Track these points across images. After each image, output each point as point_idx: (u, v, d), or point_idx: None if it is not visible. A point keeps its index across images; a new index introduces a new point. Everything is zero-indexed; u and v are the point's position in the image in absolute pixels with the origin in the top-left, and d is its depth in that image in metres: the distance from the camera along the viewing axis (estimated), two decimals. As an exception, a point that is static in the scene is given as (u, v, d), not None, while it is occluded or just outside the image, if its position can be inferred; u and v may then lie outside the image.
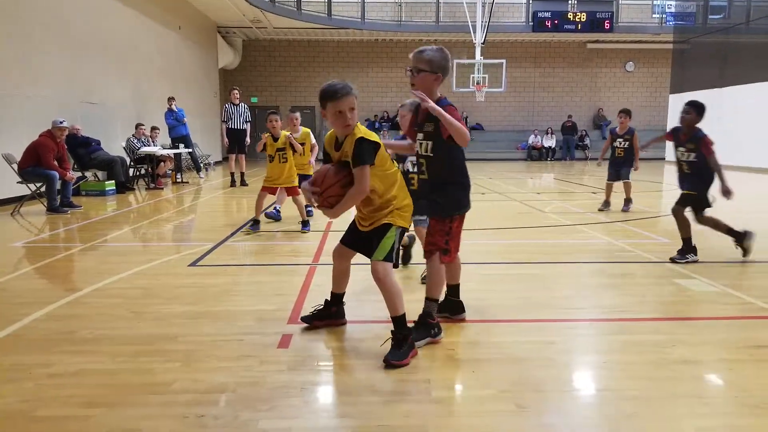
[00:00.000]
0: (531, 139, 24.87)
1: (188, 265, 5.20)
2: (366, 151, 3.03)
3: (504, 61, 21.41)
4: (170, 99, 14.36)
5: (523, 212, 8.85)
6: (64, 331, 3.47)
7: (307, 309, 3.89)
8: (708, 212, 5.47)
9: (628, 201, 8.81)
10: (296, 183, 7.12)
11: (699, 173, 5.48)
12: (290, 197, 7.30)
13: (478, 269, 5.23)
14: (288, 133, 7.11)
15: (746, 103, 17.84)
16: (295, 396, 2.64)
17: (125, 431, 2.30)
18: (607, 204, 8.88)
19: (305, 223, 6.99)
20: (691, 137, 5.48)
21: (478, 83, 20.87)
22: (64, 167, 9.03)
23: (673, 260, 5.37)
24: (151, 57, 16.06)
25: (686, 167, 5.57)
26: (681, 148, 5.56)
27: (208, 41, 21.69)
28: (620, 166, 8.80)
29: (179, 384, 2.75)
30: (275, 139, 7.05)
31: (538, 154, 24.75)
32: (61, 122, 9.03)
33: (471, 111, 26.02)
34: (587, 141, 25.40)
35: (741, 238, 5.48)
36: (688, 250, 5.44)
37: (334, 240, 6.33)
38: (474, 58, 20.93)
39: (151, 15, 15.90)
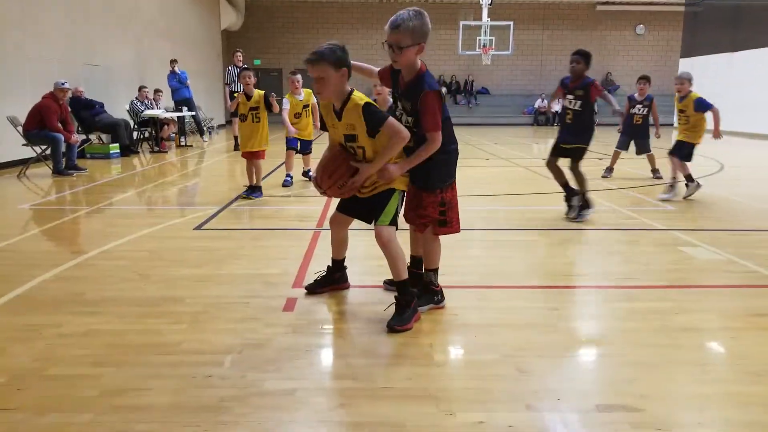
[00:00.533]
0: (537, 103, 24.60)
1: (193, 229, 5.23)
2: (376, 111, 3.01)
3: (511, 23, 21.04)
4: (173, 61, 14.21)
5: (528, 178, 8.82)
6: (72, 293, 3.51)
7: (312, 274, 3.92)
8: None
9: (655, 171, 8.69)
10: (265, 148, 6.84)
11: (582, 123, 5.73)
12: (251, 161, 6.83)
13: (482, 235, 5.25)
14: (265, 92, 6.75)
15: (759, 68, 17.55)
16: (300, 358, 2.68)
17: (135, 390, 2.35)
18: (610, 170, 8.85)
19: (253, 189, 6.86)
20: (578, 85, 5.69)
21: (484, 46, 20.56)
22: (68, 130, 9.01)
23: (572, 220, 5.56)
24: (153, 18, 15.83)
25: (570, 117, 5.79)
26: (569, 96, 5.77)
27: (210, 2, 21.33)
28: (635, 135, 8.70)
29: (186, 345, 2.80)
30: (248, 97, 6.67)
31: (544, 119, 24.51)
32: (63, 83, 8.97)
33: (477, 74, 25.69)
34: (595, 106, 25.08)
35: (571, 194, 5.71)
36: (585, 205, 5.63)
37: (316, 203, 6.35)
38: (481, 19, 20.54)
39: (152, -26, 15.61)
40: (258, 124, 6.73)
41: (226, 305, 3.33)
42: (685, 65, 20.70)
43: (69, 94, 9.25)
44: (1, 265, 4.15)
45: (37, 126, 8.69)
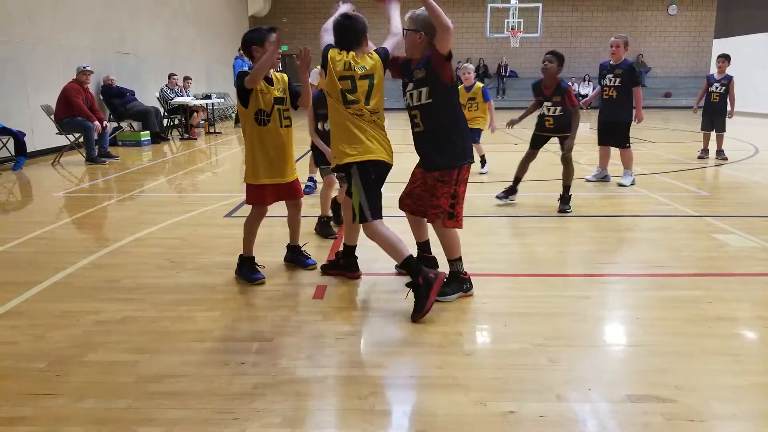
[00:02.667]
0: (567, 87, 24.19)
1: (224, 216, 5.30)
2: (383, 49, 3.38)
3: (540, 4, 20.64)
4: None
5: (557, 163, 8.68)
6: (108, 280, 3.60)
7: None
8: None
9: (708, 150, 8.81)
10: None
11: (565, 119, 5.48)
12: None
13: (511, 222, 5.21)
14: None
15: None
16: (331, 345, 2.72)
17: (170, 376, 2.41)
18: (705, 152, 8.83)
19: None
20: (555, 91, 5.44)
21: (513, 28, 20.25)
22: (97, 116, 9.13)
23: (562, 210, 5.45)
24: (181, 4, 15.93)
25: (550, 122, 5.59)
26: (547, 104, 5.51)
27: (237, -12, 21.39)
28: (715, 114, 8.67)
29: (219, 332, 2.85)
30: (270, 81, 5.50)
31: (573, 103, 24.09)
32: (85, 67, 9.14)
33: (507, 57, 25.32)
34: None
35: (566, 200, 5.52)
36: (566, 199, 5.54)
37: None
38: (509, 2, 20.21)
39: (180, -39, 15.68)
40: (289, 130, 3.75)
41: (257, 292, 3.38)
42: (719, 46, 20.09)
43: (90, 77, 9.32)
44: (39, 252, 4.27)
45: (68, 113, 8.84)
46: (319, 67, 3.97)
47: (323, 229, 4.65)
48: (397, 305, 3.18)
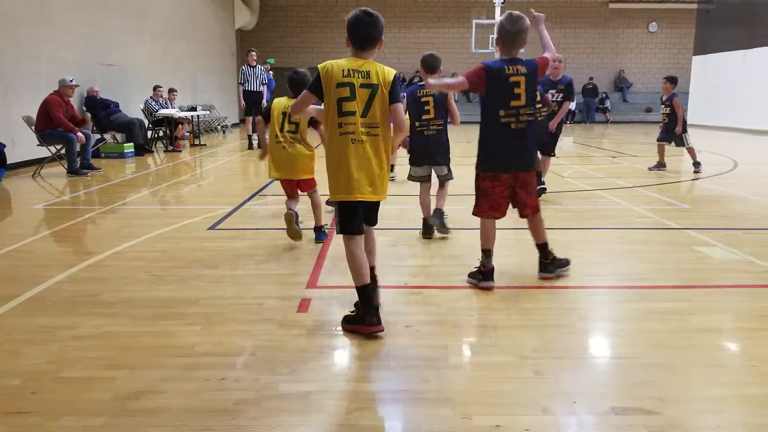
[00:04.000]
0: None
1: (207, 229, 5.24)
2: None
3: (524, 21, 20.89)
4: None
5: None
6: (87, 294, 3.53)
7: (326, 274, 3.92)
8: None
9: (662, 164, 9.14)
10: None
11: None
12: None
13: (497, 234, 5.21)
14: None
15: (773, 65, 17.30)
16: (314, 360, 2.68)
17: (149, 392, 2.36)
18: (660, 165, 9.15)
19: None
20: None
21: (497, 44, 20.44)
22: (76, 122, 9.01)
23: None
24: (168, 17, 15.90)
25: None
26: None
27: (224, 1, 21.39)
28: (667, 131, 9.07)
29: (200, 347, 2.80)
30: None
31: (557, 117, 24.34)
32: (70, 80, 8.94)
33: (489, 73, 25.54)
34: (608, 104, 24.91)
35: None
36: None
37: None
38: (493, 18, 20.43)
39: (165, -26, 15.68)
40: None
41: (240, 306, 3.33)
42: (699, 62, 20.49)
43: (74, 91, 9.12)
44: (15, 266, 4.19)
45: (48, 125, 8.70)
46: None
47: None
48: (383, 318, 3.13)
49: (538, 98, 5.08)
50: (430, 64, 4.65)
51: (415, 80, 22.31)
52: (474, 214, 3.72)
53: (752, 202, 6.65)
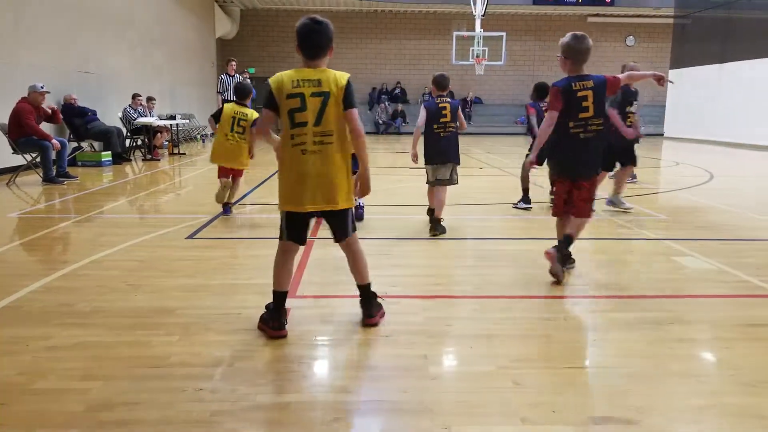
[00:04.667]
0: (530, 114, 24.73)
1: (185, 238, 5.18)
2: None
3: (504, 34, 21.18)
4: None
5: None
6: (61, 304, 3.46)
7: (306, 283, 3.89)
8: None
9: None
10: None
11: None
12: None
13: (476, 245, 5.24)
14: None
15: (746, 80, 17.71)
16: (293, 370, 2.65)
17: (123, 404, 2.31)
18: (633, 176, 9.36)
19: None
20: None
21: (477, 56, 20.66)
22: (52, 121, 8.85)
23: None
24: (148, 26, 15.79)
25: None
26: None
27: (205, 11, 21.34)
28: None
29: (177, 357, 2.75)
30: None
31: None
32: (41, 87, 8.71)
33: (470, 84, 25.80)
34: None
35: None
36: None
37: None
38: (474, 30, 20.66)
39: (146, -18, 15.59)
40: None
41: (217, 316, 3.29)
42: (675, 76, 20.89)
43: (45, 98, 8.84)
44: (-11, 275, 4.09)
45: (22, 133, 8.52)
46: None
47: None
48: (361, 328, 3.13)
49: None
50: (441, 83, 5.48)
51: (426, 96, 22.49)
52: (552, 213, 4.27)
53: (728, 214, 6.76)
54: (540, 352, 2.87)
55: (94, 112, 11.48)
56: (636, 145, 6.80)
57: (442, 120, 5.42)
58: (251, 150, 6.10)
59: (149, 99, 13.59)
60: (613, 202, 6.68)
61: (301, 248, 3.18)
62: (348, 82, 2.93)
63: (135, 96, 13.00)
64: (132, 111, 12.76)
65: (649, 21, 25.59)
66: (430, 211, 5.58)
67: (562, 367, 2.77)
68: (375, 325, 3.14)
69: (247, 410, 2.28)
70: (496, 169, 11.28)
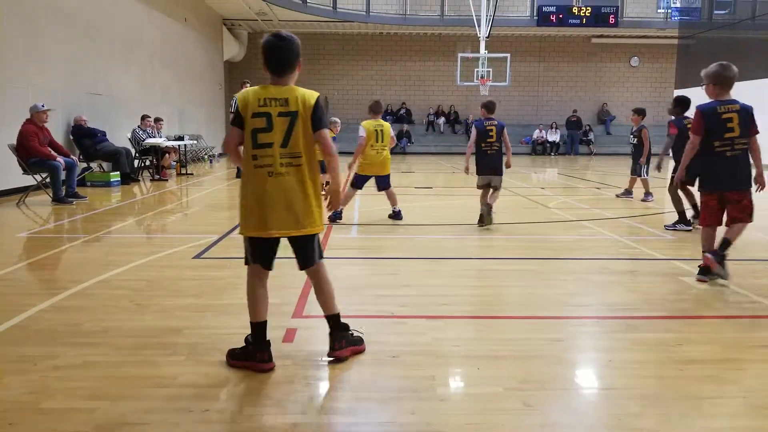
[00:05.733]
0: (536, 134, 24.79)
1: (192, 258, 5.20)
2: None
3: (508, 55, 21.32)
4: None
5: (528, 207, 8.83)
6: (69, 323, 3.47)
7: (312, 303, 3.88)
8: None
9: (629, 191, 9.69)
10: None
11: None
12: None
13: (482, 264, 5.23)
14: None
15: (750, 100, 17.71)
16: (300, 391, 2.63)
17: (130, 424, 2.30)
18: (627, 192, 9.66)
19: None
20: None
21: (482, 77, 20.78)
22: (62, 153, 8.92)
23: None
24: (157, 48, 16.01)
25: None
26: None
27: (213, 33, 21.63)
28: (633, 160, 9.46)
29: (184, 377, 2.75)
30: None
31: (542, 149, 24.67)
32: (41, 106, 8.76)
33: (475, 105, 25.92)
34: (591, 136, 25.29)
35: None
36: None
37: (338, 232, 6.35)
38: (478, 52, 20.83)
39: (156, 6, 15.84)
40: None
41: (224, 336, 3.28)
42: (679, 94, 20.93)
43: (47, 116, 8.85)
44: (-3, 295, 4.11)
45: (30, 155, 8.59)
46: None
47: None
48: (368, 349, 3.11)
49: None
50: (490, 108, 6.83)
51: (471, 119, 22.88)
52: (699, 223, 4.70)
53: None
54: (549, 374, 2.85)
55: (103, 133, 11.60)
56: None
57: (488, 140, 6.62)
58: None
59: (157, 120, 13.73)
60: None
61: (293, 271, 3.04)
62: (317, 101, 2.83)
63: (144, 117, 13.14)
64: (141, 132, 12.88)
65: (653, 42, 25.72)
66: (486, 207, 6.61)
67: (572, 388, 2.74)
68: (340, 359, 2.93)
69: (253, 431, 2.26)
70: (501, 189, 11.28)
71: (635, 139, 9.30)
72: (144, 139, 12.71)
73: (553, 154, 24.52)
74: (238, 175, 12.84)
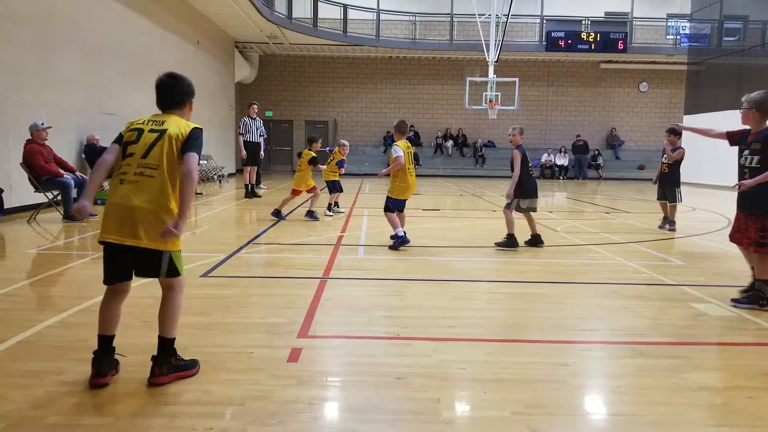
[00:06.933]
0: (544, 158, 24.83)
1: (200, 276, 5.21)
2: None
3: (517, 79, 21.46)
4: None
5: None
6: (76, 339, 3.48)
7: (318, 323, 3.89)
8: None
9: (668, 221, 8.88)
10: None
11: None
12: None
13: (490, 287, 5.21)
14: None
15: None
16: (304, 411, 2.62)
17: (134, 442, 2.29)
18: (666, 220, 8.90)
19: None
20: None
21: (490, 101, 20.91)
22: (68, 169, 9.01)
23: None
24: (169, 68, 16.01)
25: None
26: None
27: (225, 55, 21.95)
28: (665, 185, 8.82)
29: (189, 395, 2.74)
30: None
31: (550, 173, 24.68)
32: (41, 124, 8.82)
33: (483, 128, 26.06)
34: (600, 160, 25.30)
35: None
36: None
37: (344, 253, 6.36)
38: (487, 76, 20.99)
39: (169, 28, 16.12)
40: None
41: (229, 355, 3.28)
42: (689, 122, 20.95)
43: (47, 133, 8.85)
44: (5, 310, 4.13)
45: (40, 173, 8.68)
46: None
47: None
48: (374, 370, 3.10)
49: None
50: (523, 132, 7.49)
51: (480, 142, 23.38)
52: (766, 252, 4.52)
53: (743, 259, 6.67)
54: (555, 398, 2.82)
55: (115, 152, 11.71)
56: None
57: (530, 165, 7.31)
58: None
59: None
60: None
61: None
62: (194, 131, 2.95)
63: (155, 137, 13.28)
64: (151, 151, 13.01)
65: (662, 67, 25.85)
66: (533, 237, 7.16)
67: (579, 414, 2.71)
68: (159, 384, 2.84)
69: (258, 451, 2.25)
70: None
71: (669, 159, 8.68)
72: (154, 159, 12.82)
73: (562, 178, 24.51)
74: (246, 195, 12.94)
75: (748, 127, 4.65)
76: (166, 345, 2.96)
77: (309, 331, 3.70)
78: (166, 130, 2.90)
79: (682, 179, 8.79)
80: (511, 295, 4.89)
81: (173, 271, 3.00)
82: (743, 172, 4.58)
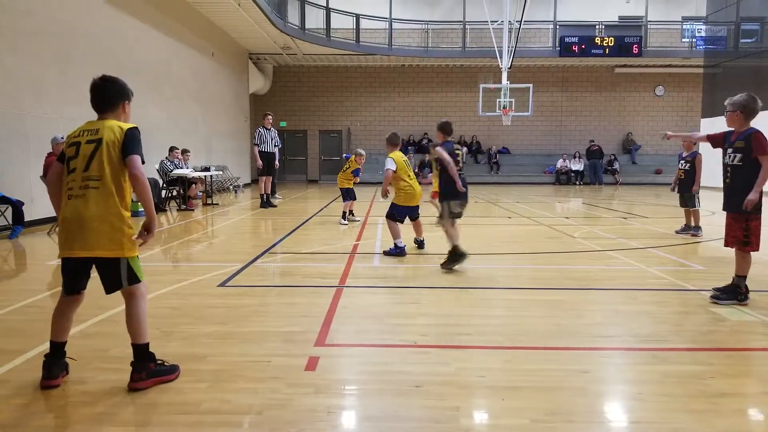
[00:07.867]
0: (559, 163, 24.69)
1: (217, 286, 5.25)
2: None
3: (531, 85, 21.40)
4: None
5: (552, 237, 8.75)
6: (96, 349, 3.52)
7: (336, 331, 3.89)
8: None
9: (690, 227, 8.79)
10: None
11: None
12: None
13: (507, 294, 5.18)
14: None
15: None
16: (322, 420, 2.62)
17: (154, 451, 2.31)
18: (686, 227, 8.80)
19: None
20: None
21: (504, 107, 20.87)
22: None
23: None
24: (185, 82, 16.45)
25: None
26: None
27: (239, 67, 22.17)
28: (683, 190, 8.75)
29: (207, 404, 2.76)
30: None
31: (566, 178, 24.53)
32: (61, 138, 8.87)
33: (498, 135, 25.99)
34: (616, 165, 25.10)
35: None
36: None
37: (360, 261, 6.36)
38: (500, 82, 20.96)
39: (185, 41, 16.33)
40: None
41: (247, 364, 3.30)
42: (707, 125, 20.73)
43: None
44: (27, 321, 4.19)
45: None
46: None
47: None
48: (391, 378, 3.09)
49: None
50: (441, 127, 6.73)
51: (423, 142, 22.88)
52: (753, 249, 4.68)
53: (766, 264, 6.57)
54: (575, 406, 2.79)
55: (132, 164, 11.85)
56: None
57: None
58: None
59: (184, 151, 14.04)
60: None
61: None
62: (129, 132, 3.00)
63: (172, 149, 13.46)
64: (169, 163, 13.17)
65: (678, 71, 25.62)
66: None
67: (599, 421, 2.68)
68: (137, 390, 2.90)
69: (277, 460, 2.25)
70: (525, 218, 11.22)
71: (687, 165, 8.62)
72: (171, 170, 12.99)
73: (578, 183, 24.35)
74: (262, 205, 13.01)
75: (730, 129, 4.85)
76: (140, 351, 3.02)
77: (326, 340, 3.71)
78: (101, 138, 2.95)
79: (703, 183, 8.67)
80: (529, 302, 4.86)
81: (133, 278, 3.06)
82: (726, 170, 4.80)
